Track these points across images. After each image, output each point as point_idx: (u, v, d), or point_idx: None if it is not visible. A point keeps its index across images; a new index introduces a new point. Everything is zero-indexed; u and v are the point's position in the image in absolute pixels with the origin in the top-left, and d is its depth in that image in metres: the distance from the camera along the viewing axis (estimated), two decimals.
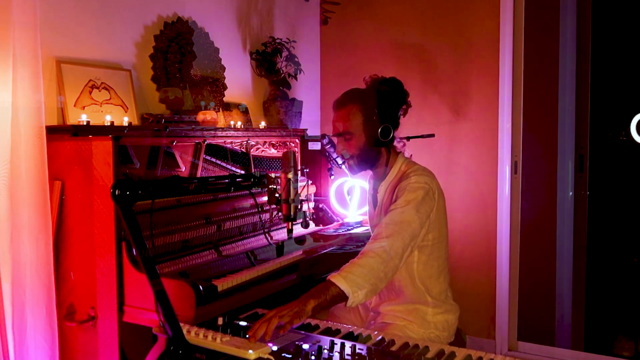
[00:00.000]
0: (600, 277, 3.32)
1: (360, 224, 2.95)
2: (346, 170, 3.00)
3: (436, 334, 1.95)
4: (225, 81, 2.86)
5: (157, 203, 2.05)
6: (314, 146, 3.04)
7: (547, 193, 3.55)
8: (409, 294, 1.96)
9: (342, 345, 1.39)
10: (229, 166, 2.52)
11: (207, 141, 2.39)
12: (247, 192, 2.05)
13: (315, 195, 3.03)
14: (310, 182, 2.98)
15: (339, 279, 1.66)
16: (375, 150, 2.00)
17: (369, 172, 2.14)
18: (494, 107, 3.19)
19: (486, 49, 3.20)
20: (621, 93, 3.14)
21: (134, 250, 1.74)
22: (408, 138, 2.22)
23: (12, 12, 1.77)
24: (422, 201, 1.86)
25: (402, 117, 2.05)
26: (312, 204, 2.97)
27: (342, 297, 1.65)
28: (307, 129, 3.16)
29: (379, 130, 1.94)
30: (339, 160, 2.97)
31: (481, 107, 3.24)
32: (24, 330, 1.83)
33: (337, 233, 2.70)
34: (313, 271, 2.32)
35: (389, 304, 2.00)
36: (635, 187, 3.16)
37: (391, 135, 1.96)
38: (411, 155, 2.09)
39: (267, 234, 2.44)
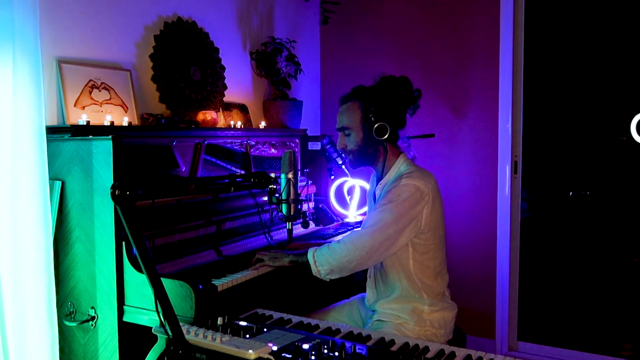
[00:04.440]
0: (601, 277, 3.32)
1: (360, 224, 2.95)
2: (346, 171, 3.02)
3: (432, 332, 1.95)
4: (225, 81, 2.85)
5: (157, 203, 2.05)
6: (314, 146, 3.04)
7: (546, 192, 3.55)
8: (405, 289, 1.97)
9: (342, 345, 1.39)
10: (229, 166, 2.52)
11: (207, 141, 2.39)
12: (247, 192, 2.05)
13: (315, 195, 3.03)
14: (310, 182, 2.98)
15: (311, 253, 1.95)
16: (374, 148, 2.01)
17: (372, 171, 2.15)
18: (494, 107, 3.19)
19: (486, 49, 3.20)
20: (621, 93, 3.14)
21: (134, 250, 1.74)
22: (408, 138, 2.22)
23: (13, 12, 1.77)
24: (403, 202, 1.89)
25: (410, 117, 2.05)
26: (312, 204, 2.97)
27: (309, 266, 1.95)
28: (307, 129, 3.16)
29: (374, 128, 1.94)
30: (339, 160, 2.97)
31: (481, 107, 3.24)
32: (24, 330, 1.83)
33: (336, 232, 2.70)
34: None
35: (385, 301, 2.00)
36: (635, 187, 3.15)
37: (387, 134, 1.95)
38: (414, 158, 2.09)
39: (267, 234, 2.44)
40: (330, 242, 2.13)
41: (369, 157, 2.03)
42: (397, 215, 1.87)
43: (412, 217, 1.89)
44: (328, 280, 1.95)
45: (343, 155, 2.98)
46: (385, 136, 1.95)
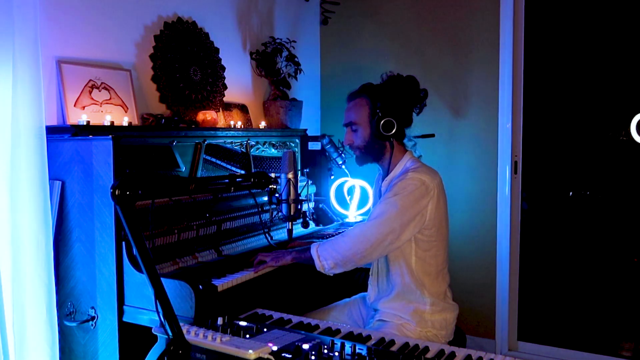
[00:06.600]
0: (600, 277, 3.32)
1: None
2: (346, 171, 3.02)
3: (434, 333, 1.95)
4: (225, 81, 2.85)
5: (157, 203, 2.05)
6: (314, 146, 3.04)
7: (546, 192, 3.55)
8: (406, 286, 1.97)
9: (342, 345, 1.39)
10: (229, 166, 2.52)
11: (207, 141, 2.39)
12: (247, 192, 2.05)
13: (315, 195, 3.03)
14: (310, 182, 2.98)
15: (314, 248, 1.93)
16: (380, 144, 2.02)
17: (375, 171, 2.16)
18: (494, 107, 3.19)
19: (486, 49, 3.20)
20: (621, 93, 3.15)
21: (134, 250, 1.74)
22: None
23: (12, 12, 1.77)
24: (408, 195, 1.89)
25: (416, 115, 2.07)
26: (312, 204, 2.97)
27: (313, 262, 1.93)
28: (307, 129, 3.16)
29: (381, 123, 1.95)
30: (339, 160, 2.97)
31: (481, 107, 3.24)
32: (24, 330, 1.83)
33: (336, 232, 2.70)
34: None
35: (387, 300, 2.00)
36: (635, 187, 3.15)
37: (394, 130, 1.96)
38: (420, 156, 2.10)
39: (267, 234, 2.44)
40: None
41: (376, 153, 2.04)
42: (402, 208, 1.87)
43: (417, 211, 1.89)
44: (332, 275, 1.94)
45: (344, 154, 2.99)
46: (392, 132, 1.96)
